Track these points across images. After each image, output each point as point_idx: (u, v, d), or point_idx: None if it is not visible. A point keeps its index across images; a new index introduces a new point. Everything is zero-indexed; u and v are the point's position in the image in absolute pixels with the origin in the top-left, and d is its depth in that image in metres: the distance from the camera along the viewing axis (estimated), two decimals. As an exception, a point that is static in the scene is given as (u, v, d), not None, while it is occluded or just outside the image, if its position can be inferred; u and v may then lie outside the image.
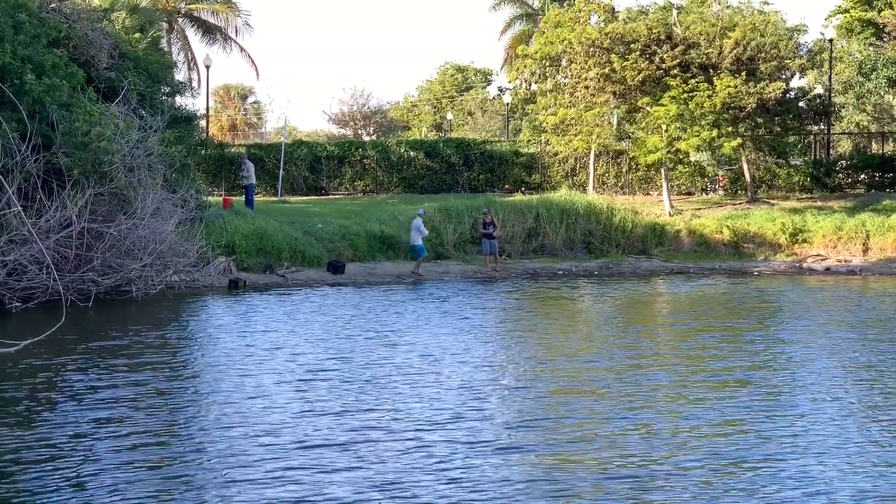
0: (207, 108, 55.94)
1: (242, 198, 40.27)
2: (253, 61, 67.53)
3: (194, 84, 60.75)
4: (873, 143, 55.98)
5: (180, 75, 54.51)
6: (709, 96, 40.42)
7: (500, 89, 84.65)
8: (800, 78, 48.66)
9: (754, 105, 41.10)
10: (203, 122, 49.86)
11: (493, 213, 37.75)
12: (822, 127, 49.97)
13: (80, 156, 26.28)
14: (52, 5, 30.61)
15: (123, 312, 25.24)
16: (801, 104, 45.53)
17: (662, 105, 41.13)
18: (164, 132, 29.88)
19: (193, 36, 65.04)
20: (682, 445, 13.48)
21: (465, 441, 13.68)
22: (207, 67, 54.23)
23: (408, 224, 36.28)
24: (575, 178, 48.76)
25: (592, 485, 11.89)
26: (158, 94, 33.16)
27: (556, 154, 48.44)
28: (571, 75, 45.10)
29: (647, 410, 15.39)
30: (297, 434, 13.82)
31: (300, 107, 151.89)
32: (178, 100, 36.77)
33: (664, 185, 43.89)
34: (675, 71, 41.40)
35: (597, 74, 42.56)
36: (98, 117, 27.20)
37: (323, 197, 48.49)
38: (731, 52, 41.56)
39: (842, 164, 48.58)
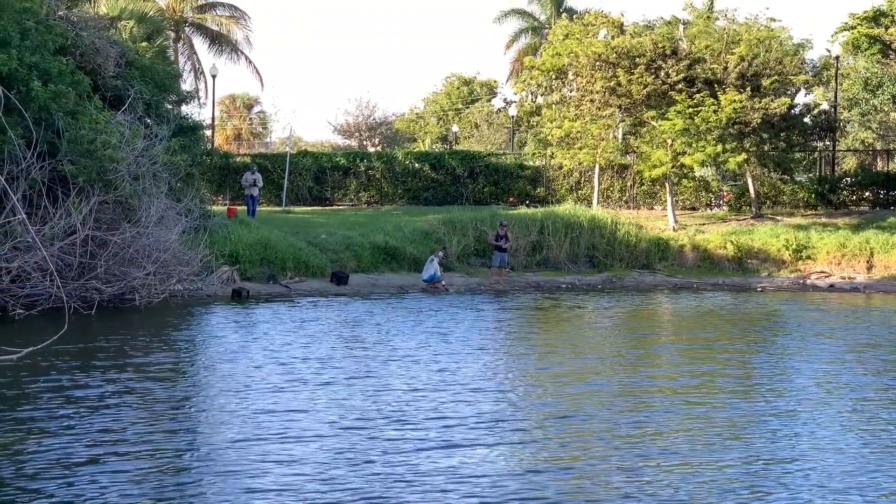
0: (213, 118, 56.02)
1: (244, 207, 40.43)
2: (258, 71, 67.71)
3: (200, 93, 60.85)
4: (878, 161, 55.94)
5: (186, 84, 54.79)
6: (714, 111, 40.45)
7: (506, 102, 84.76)
8: (806, 94, 48.68)
9: (759, 121, 41.12)
10: (208, 132, 49.94)
11: (509, 227, 37.68)
12: (828, 143, 49.96)
13: (85, 163, 26.27)
14: (60, 13, 30.66)
15: (126, 321, 25.24)
16: (806, 120, 45.54)
17: (668, 119, 41.17)
18: (170, 141, 29.91)
19: (200, 45, 65.26)
20: (665, 449, 13.49)
21: (448, 441, 13.96)
22: (213, 77, 54.33)
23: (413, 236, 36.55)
24: (579, 191, 48.82)
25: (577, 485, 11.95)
26: (164, 102, 33.20)
27: (560, 167, 48.50)
28: (577, 88, 45.17)
29: (631, 422, 15.37)
30: (294, 437, 13.92)
31: (305, 117, 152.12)
32: (184, 109, 36.85)
33: (669, 199, 43.90)
34: (681, 86, 41.45)
35: (602, 88, 42.63)
36: (104, 125, 27.21)
37: (327, 207, 48.54)
38: (735, 68, 41.61)
39: (847, 180, 48.55)
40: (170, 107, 33.91)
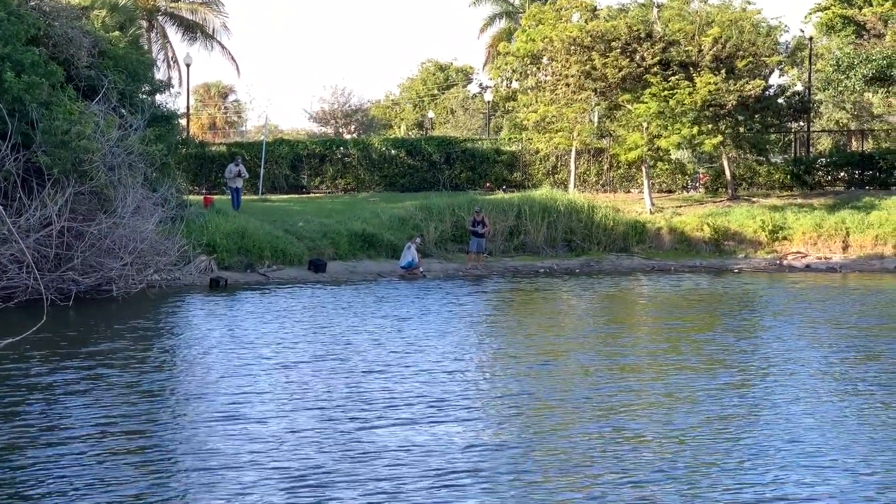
0: (188, 107, 55.83)
1: (220, 197, 40.18)
2: (234, 59, 67.40)
3: (174, 82, 60.52)
4: (853, 141, 56.18)
5: (160, 74, 54.46)
6: (689, 94, 40.53)
7: (482, 87, 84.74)
8: (780, 76, 48.81)
9: (734, 102, 41.23)
10: (183, 121, 49.72)
11: (485, 213, 37.73)
12: (802, 124, 50.14)
13: (60, 154, 26.16)
14: (32, 3, 30.47)
15: (104, 312, 25.17)
16: (780, 101, 45.67)
17: (643, 102, 41.23)
18: (145, 131, 29.79)
19: (174, 34, 64.85)
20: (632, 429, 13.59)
21: (413, 418, 14.33)
22: (188, 66, 54.14)
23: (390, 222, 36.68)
24: (556, 176, 48.84)
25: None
26: (138, 92, 33.05)
27: (537, 152, 48.53)
28: (552, 73, 45.18)
29: (613, 406, 15.48)
30: (272, 427, 13.97)
31: (281, 105, 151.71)
32: (159, 98, 36.67)
33: (645, 182, 44.00)
34: (656, 69, 41.50)
35: (577, 72, 42.64)
36: (78, 116, 27.09)
37: (304, 195, 48.45)
38: (710, 50, 41.70)
39: (821, 161, 48.74)
40: (144, 96, 33.76)
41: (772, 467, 12.16)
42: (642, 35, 42.41)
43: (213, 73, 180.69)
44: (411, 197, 43.20)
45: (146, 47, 50.05)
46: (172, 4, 63.69)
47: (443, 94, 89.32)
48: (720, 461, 12.40)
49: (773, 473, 11.94)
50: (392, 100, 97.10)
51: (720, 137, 41.87)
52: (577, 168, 47.94)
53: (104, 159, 27.42)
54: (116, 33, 33.19)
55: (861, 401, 15.64)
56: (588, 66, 42.18)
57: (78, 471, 11.86)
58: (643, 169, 44.20)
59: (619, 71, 41.53)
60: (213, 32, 64.19)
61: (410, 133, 79.21)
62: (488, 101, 69.49)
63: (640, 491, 11.33)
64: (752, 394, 16.36)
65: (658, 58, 41.62)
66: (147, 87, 34.58)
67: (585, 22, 44.40)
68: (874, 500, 11.02)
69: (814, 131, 53.52)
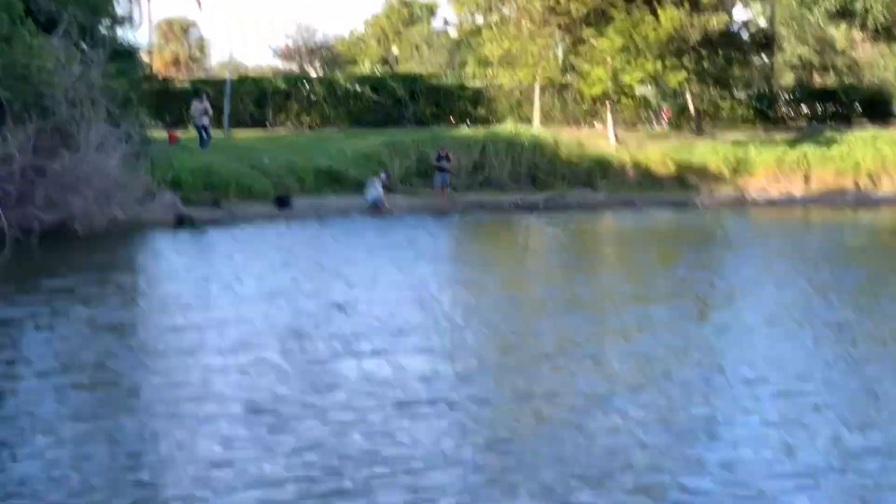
0: (150, 43, 55.35)
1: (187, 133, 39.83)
2: (195, -8, 66.65)
3: (136, 17, 59.83)
4: (815, 76, 56.40)
5: (121, 8, 53.80)
6: (653, 28, 40.48)
7: (446, 21, 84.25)
8: (744, 9, 48.84)
9: (698, 37, 41.23)
10: (146, 57, 49.29)
11: (449, 148, 37.84)
12: (765, 59, 50.27)
13: (20, 89, 25.97)
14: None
15: (68, 248, 25.12)
16: (743, 36, 45.73)
17: (607, 37, 41.17)
18: (107, 66, 29.54)
19: (134, -32, 64.03)
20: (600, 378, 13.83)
21: (374, 349, 14.28)
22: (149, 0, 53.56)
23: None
24: (521, 111, 48.79)
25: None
26: (99, 26, 32.73)
27: (501, 87, 48.43)
28: (517, 7, 45.00)
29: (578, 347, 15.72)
30: (233, 359, 14.03)
31: (245, 41, 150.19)
32: (120, 33, 36.27)
33: (609, 117, 44.03)
34: (620, 3, 41.38)
35: (541, 6, 42.48)
36: (38, 50, 26.85)
37: (269, 132, 48.24)
38: (673, -16, 41.61)
39: (784, 96, 48.96)
40: (105, 31, 33.42)
41: (710, 394, 12.41)
42: (606, -31, 42.22)
43: (176, 7, 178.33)
44: (376, 133, 43.11)
45: (107, -19, 49.42)
46: (133, -62, 62.79)
47: (407, 29, 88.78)
48: (667, 389, 12.57)
49: (714, 402, 12.16)
50: (357, 36, 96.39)
51: (684, 73, 41.90)
52: (541, 103, 47.92)
53: (66, 94, 27.23)
54: (76, -34, 32.82)
55: (811, 331, 15.90)
56: (552, 1, 42.04)
57: (38, 404, 11.91)
58: (607, 104, 44.23)
59: (583, 5, 41.41)
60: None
61: (376, 69, 78.83)
62: (452, 37, 69.13)
63: (589, 415, 11.57)
64: (704, 325, 16.66)
65: (622, -8, 41.50)
66: (108, 22, 34.22)
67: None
68: (810, 426, 11.11)
69: (777, 66, 53.69)
